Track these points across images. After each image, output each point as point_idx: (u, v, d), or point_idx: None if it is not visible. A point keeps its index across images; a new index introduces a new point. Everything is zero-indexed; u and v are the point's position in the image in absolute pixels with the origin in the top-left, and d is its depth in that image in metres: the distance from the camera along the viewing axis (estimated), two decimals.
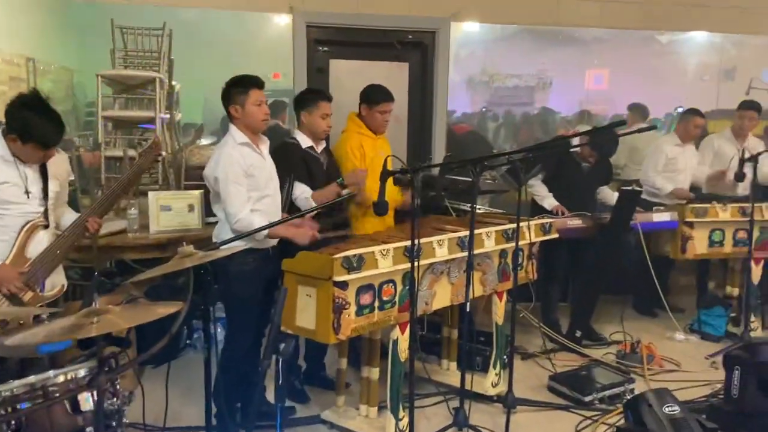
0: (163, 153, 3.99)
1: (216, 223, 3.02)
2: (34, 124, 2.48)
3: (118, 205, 3.98)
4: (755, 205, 4.09)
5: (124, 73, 4.17)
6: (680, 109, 5.70)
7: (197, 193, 3.77)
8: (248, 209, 2.83)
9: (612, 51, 5.42)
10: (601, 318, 4.55)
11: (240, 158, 2.83)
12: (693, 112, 4.75)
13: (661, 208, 4.45)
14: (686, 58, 5.66)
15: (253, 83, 2.90)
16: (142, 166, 2.92)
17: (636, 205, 4.15)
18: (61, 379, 1.69)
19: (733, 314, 4.50)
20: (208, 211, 3.58)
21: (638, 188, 4.29)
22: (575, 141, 4.24)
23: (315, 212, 3.04)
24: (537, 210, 4.23)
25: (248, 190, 2.85)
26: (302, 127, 3.36)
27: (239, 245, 2.62)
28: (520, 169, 2.96)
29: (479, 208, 4.10)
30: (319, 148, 3.39)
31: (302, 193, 3.24)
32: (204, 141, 4.97)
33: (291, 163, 3.22)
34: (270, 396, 3.11)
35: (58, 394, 1.64)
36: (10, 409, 1.62)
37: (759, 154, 4.20)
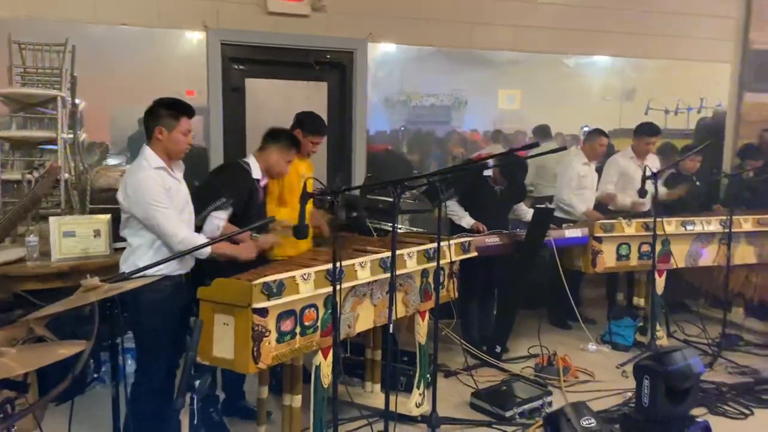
0: (62, 177, 3.77)
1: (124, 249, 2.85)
2: None
3: (15, 232, 3.70)
4: (657, 219, 4.34)
5: (22, 91, 3.90)
6: (586, 128, 6.01)
7: (104, 217, 3.56)
8: (187, 228, 2.74)
9: (523, 73, 5.65)
10: (520, 332, 4.66)
11: (159, 180, 2.70)
12: (598, 132, 5.02)
13: (571, 225, 4.63)
14: (591, 80, 5.98)
15: (185, 111, 2.79)
16: (38, 192, 2.72)
17: (549, 222, 4.31)
18: None
19: (640, 324, 4.73)
20: (116, 236, 3.38)
21: (551, 206, 4.46)
22: (490, 163, 4.34)
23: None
24: (455, 229, 4.29)
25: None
26: (261, 156, 3.29)
27: (153, 274, 2.48)
28: (439, 190, 2.99)
29: (400, 228, 4.13)
30: (263, 181, 3.34)
31: (219, 219, 3.10)
32: (111, 161, 4.73)
33: (238, 188, 3.14)
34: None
35: None
36: None
37: (660, 171, 4.47)
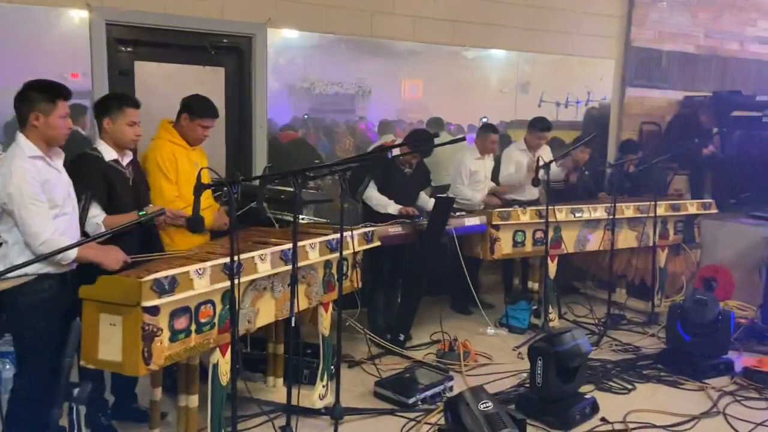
0: None
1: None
2: None
3: None
4: (549, 207, 4.55)
5: None
6: (484, 119, 6.19)
7: None
8: (53, 228, 2.51)
9: (424, 63, 5.71)
10: (423, 319, 4.75)
11: (35, 171, 2.48)
12: (489, 128, 5.22)
13: (464, 213, 4.76)
14: (488, 73, 6.15)
15: (62, 94, 2.58)
16: None
17: (450, 211, 4.40)
18: None
19: (534, 307, 4.96)
20: None
21: (452, 196, 4.56)
22: (395, 150, 4.38)
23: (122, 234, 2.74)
24: (384, 218, 4.31)
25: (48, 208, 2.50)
26: (105, 136, 3.02)
27: (31, 272, 2.28)
28: (345, 182, 2.97)
29: (304, 219, 4.06)
30: (125, 160, 3.07)
31: (95, 216, 2.90)
32: None
33: (89, 179, 2.88)
34: None
35: None
36: None
37: (551, 162, 4.69)
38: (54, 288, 2.57)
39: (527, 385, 3.63)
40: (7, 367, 3.38)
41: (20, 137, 2.56)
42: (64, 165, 2.74)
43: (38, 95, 2.54)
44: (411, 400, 3.50)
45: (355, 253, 3.58)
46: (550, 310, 4.79)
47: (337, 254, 3.16)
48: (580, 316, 5.17)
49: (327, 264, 3.38)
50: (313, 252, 3.20)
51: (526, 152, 5.28)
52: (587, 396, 3.54)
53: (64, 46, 4.37)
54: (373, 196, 4.43)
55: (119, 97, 3.09)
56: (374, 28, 5.37)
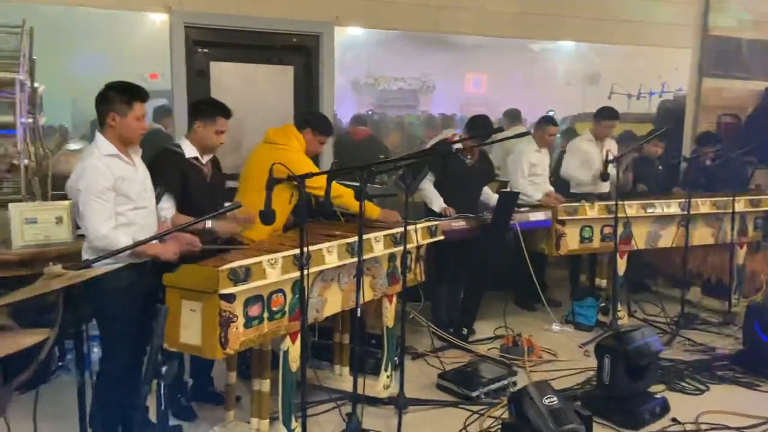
0: (22, 163, 3.68)
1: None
2: None
3: None
4: (618, 202, 4.45)
5: None
6: (551, 113, 6.09)
7: (66, 203, 3.48)
8: (110, 226, 2.63)
9: (489, 57, 5.69)
10: (486, 314, 4.75)
11: (106, 171, 2.63)
12: (547, 120, 5.10)
13: (526, 208, 4.70)
14: (555, 65, 6.05)
15: (139, 96, 2.72)
16: None
17: (514, 206, 4.38)
18: None
19: (602, 304, 4.87)
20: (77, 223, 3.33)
21: (516, 190, 4.53)
22: (456, 146, 4.38)
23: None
24: (429, 213, 4.34)
25: (118, 203, 2.66)
26: (193, 136, 3.18)
27: (117, 262, 2.46)
28: (409, 174, 3.02)
29: None
30: (205, 158, 3.23)
31: (164, 209, 3.05)
32: (73, 146, 4.62)
33: (165, 173, 3.04)
34: (154, 416, 2.95)
35: None
36: None
37: (621, 156, 4.58)
38: (135, 276, 2.72)
39: (593, 383, 3.58)
40: (95, 350, 3.63)
41: (98, 136, 2.72)
42: (146, 160, 2.91)
43: (116, 96, 2.67)
44: (474, 394, 3.53)
45: (418, 247, 3.63)
46: (619, 307, 4.68)
47: (401, 247, 3.22)
48: (651, 315, 5.02)
49: (391, 257, 3.45)
50: (377, 245, 3.28)
51: (593, 143, 5.17)
52: (657, 396, 3.46)
53: (145, 48, 4.63)
54: (426, 188, 4.41)
55: (215, 106, 3.22)
56: (438, 23, 5.40)
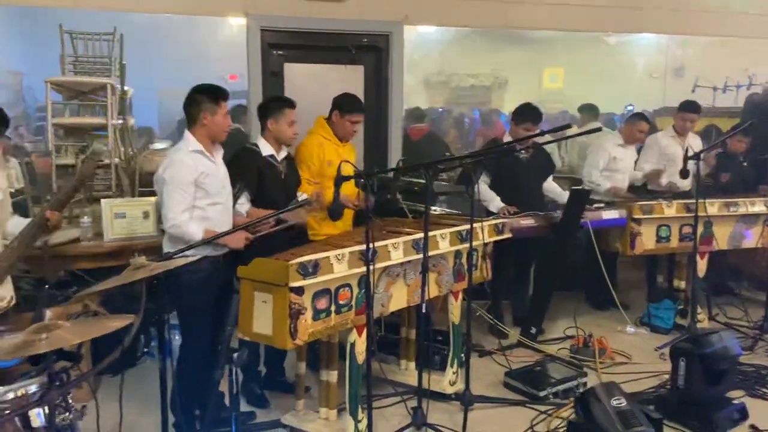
0: (113, 161, 3.96)
1: None
2: None
3: (71, 213, 3.92)
4: (699, 201, 4.26)
5: (75, 79, 4.09)
6: (630, 107, 5.91)
7: (152, 199, 3.72)
8: (185, 216, 2.82)
9: (564, 51, 5.58)
10: (556, 314, 4.67)
11: (191, 165, 2.83)
12: (639, 116, 4.93)
13: (602, 205, 4.58)
14: (634, 59, 5.87)
15: (223, 95, 2.93)
16: (84, 173, 2.90)
17: (586, 204, 4.28)
18: (11, 396, 1.67)
19: (681, 307, 4.68)
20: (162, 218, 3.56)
21: (588, 188, 4.42)
22: (518, 146, 4.30)
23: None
24: (489, 214, 4.31)
25: (198, 198, 2.85)
26: (267, 134, 3.35)
27: (194, 254, 2.62)
28: (471, 172, 3.03)
29: (435, 210, 4.17)
30: (281, 155, 3.39)
31: (241, 205, 3.22)
32: (159, 145, 4.91)
33: (244, 171, 3.22)
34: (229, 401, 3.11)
35: (8, 411, 1.63)
36: None
37: (702, 152, 4.38)
38: (210, 268, 2.90)
39: (668, 387, 3.47)
40: (176, 337, 3.86)
41: (187, 134, 2.93)
42: (226, 158, 3.08)
43: (204, 97, 2.89)
44: (542, 393, 3.49)
45: (485, 245, 3.63)
46: (699, 310, 4.49)
47: (468, 245, 3.23)
48: (733, 319, 4.78)
49: (457, 254, 3.46)
50: (443, 242, 3.30)
51: (675, 139, 4.97)
52: (736, 401, 3.31)
53: (224, 51, 4.86)
54: (480, 190, 4.26)
55: (279, 99, 3.42)
56: (510, 18, 5.33)
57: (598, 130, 3.14)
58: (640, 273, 5.39)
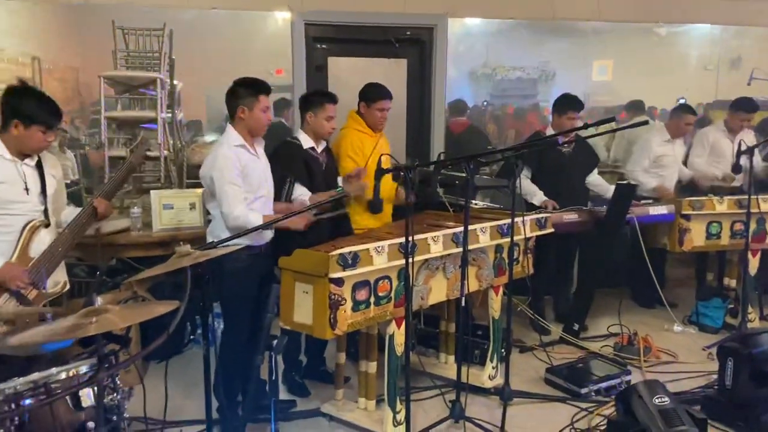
0: (162, 153, 4.08)
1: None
2: (35, 106, 2.58)
3: (122, 204, 4.07)
4: (752, 197, 4.11)
5: (126, 74, 4.23)
6: (681, 100, 5.72)
7: (199, 191, 3.83)
8: (243, 207, 2.88)
9: (613, 43, 5.45)
10: (599, 311, 4.59)
11: (235, 159, 2.89)
12: (685, 109, 4.79)
13: (650, 201, 4.47)
14: (686, 50, 5.68)
15: (263, 89, 2.96)
16: (133, 163, 3.00)
17: (632, 199, 4.18)
18: (63, 376, 1.76)
19: (731, 306, 4.53)
20: (208, 210, 3.65)
21: (634, 183, 4.32)
22: (561, 139, 4.22)
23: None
24: (530, 208, 4.26)
25: (243, 191, 2.91)
26: (306, 127, 3.40)
27: (237, 243, 2.68)
28: (513, 165, 3.00)
29: (477, 204, 4.15)
30: (320, 147, 3.44)
31: (300, 195, 3.29)
32: (208, 138, 5.03)
33: (292, 164, 3.28)
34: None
35: (60, 391, 1.71)
36: (13, 406, 1.69)
37: (755, 146, 4.22)
38: (251, 258, 2.96)
39: (715, 387, 3.37)
40: (220, 325, 3.97)
41: (228, 128, 2.99)
42: (268, 152, 3.14)
43: (243, 91, 2.93)
44: (583, 390, 3.45)
45: (527, 239, 3.59)
46: (750, 309, 4.34)
47: (509, 239, 3.21)
48: None
49: (498, 248, 3.44)
50: (484, 236, 3.28)
51: (725, 134, 4.80)
52: None
53: (269, 46, 4.93)
54: (522, 183, 4.23)
55: (321, 94, 3.45)
56: (557, 10, 5.24)
57: (645, 123, 3.05)
58: (689, 270, 5.24)
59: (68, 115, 4.70)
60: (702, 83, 5.73)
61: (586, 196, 4.45)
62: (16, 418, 1.66)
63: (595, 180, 4.54)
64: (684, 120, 4.70)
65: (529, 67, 5.45)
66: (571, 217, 4.09)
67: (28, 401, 1.69)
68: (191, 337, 4.16)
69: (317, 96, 3.43)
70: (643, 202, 4.38)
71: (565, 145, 4.30)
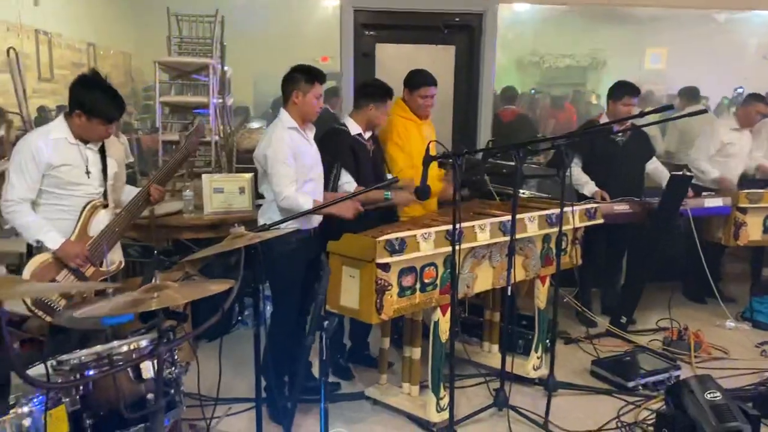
0: (213, 138, 4.17)
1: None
2: (99, 99, 2.66)
3: (174, 187, 4.18)
4: None
5: (180, 60, 4.33)
6: (740, 90, 5.53)
7: (248, 176, 3.91)
8: (294, 188, 2.93)
9: (668, 30, 5.28)
10: (648, 304, 4.49)
11: (289, 141, 2.94)
12: (757, 97, 4.59)
13: (712, 193, 4.34)
14: (745, 38, 5.46)
15: (319, 78, 3.01)
16: (188, 148, 3.07)
17: (686, 191, 4.07)
18: (125, 349, 1.84)
19: None
20: (257, 193, 3.71)
21: (689, 173, 4.19)
22: (615, 128, 4.12)
23: None
24: (581, 198, 4.18)
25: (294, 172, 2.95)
26: (360, 115, 3.39)
27: (288, 226, 2.73)
28: (564, 154, 2.96)
29: (524, 193, 4.11)
30: (367, 134, 3.45)
31: (347, 183, 3.30)
32: (254, 125, 5.11)
33: (339, 150, 3.30)
34: (316, 372, 3.23)
35: (122, 363, 1.79)
36: (79, 376, 1.78)
37: None
38: (300, 242, 2.99)
39: None
40: (269, 307, 4.05)
41: (282, 111, 3.04)
42: (316, 137, 3.18)
43: (300, 76, 2.98)
44: (631, 384, 3.39)
45: (575, 229, 3.54)
46: None
47: (557, 229, 3.17)
48: None
49: (545, 238, 3.40)
50: (531, 225, 3.25)
51: None
52: None
53: (317, 33, 4.97)
54: (573, 173, 4.15)
55: (387, 91, 3.41)
56: None
57: (704, 111, 2.95)
58: (744, 265, 5.07)
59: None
60: (761, 72, 5.51)
61: (639, 187, 4.33)
62: (81, 387, 1.74)
63: (655, 169, 4.40)
64: (756, 108, 4.51)
65: (579, 55, 5.34)
66: (622, 207, 4.00)
67: (91, 372, 1.77)
68: (239, 318, 4.26)
69: (383, 91, 3.39)
70: (704, 194, 4.24)
71: (620, 134, 4.19)
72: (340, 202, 2.93)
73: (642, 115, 2.75)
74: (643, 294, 4.29)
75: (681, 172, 4.12)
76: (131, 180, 4.29)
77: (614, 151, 4.22)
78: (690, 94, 5.37)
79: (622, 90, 4.15)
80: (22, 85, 4.66)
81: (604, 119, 4.25)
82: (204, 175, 3.90)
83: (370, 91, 3.40)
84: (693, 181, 4.41)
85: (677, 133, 5.44)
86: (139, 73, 5.39)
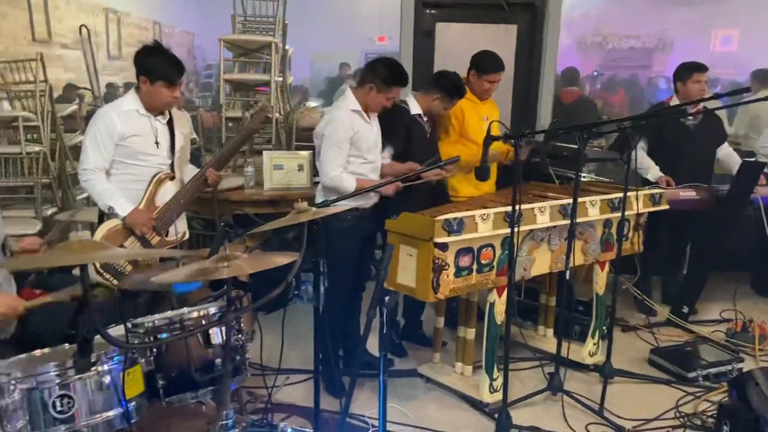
0: (273, 116, 4.23)
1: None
2: (159, 63, 2.78)
3: (235, 163, 4.28)
4: None
5: (244, 38, 4.40)
6: None
7: (306, 153, 3.96)
8: (340, 170, 2.97)
9: (740, 11, 5.04)
10: (712, 295, 4.35)
11: (349, 123, 2.97)
12: None
13: None
14: None
15: (398, 83, 3.00)
16: (252, 127, 3.14)
17: (758, 178, 3.89)
18: (195, 315, 1.92)
19: None
20: (315, 171, 3.76)
21: (763, 160, 4.01)
22: (689, 110, 3.97)
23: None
24: (645, 183, 4.06)
25: (351, 155, 3.00)
26: (425, 99, 3.36)
27: (348, 204, 2.77)
28: (630, 138, 2.88)
29: (585, 177, 4.02)
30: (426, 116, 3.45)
31: (382, 159, 3.29)
32: (312, 103, 5.17)
33: (392, 127, 3.30)
34: (370, 347, 3.28)
35: (192, 328, 1.87)
36: (152, 338, 1.87)
37: None
38: (356, 219, 3.04)
39: None
40: (324, 282, 4.12)
41: (348, 92, 3.07)
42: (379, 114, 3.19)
43: (384, 75, 2.97)
44: (691, 375, 3.31)
45: (638, 215, 3.45)
46: None
47: (619, 214, 3.10)
48: None
49: (607, 223, 3.33)
50: (593, 209, 3.19)
51: None
52: None
53: (377, 11, 4.96)
54: (638, 156, 3.97)
55: (458, 90, 3.34)
56: None
57: None
58: None
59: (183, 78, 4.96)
60: None
61: (708, 172, 4.15)
62: (155, 350, 1.83)
63: (726, 155, 4.21)
64: None
65: (645, 36, 5.15)
66: (688, 194, 3.87)
67: (164, 335, 1.86)
68: (295, 292, 4.36)
69: (456, 89, 3.33)
70: None
71: (690, 118, 4.02)
72: (385, 184, 2.97)
73: (716, 96, 2.64)
74: (706, 284, 4.16)
75: (755, 158, 3.95)
76: (195, 157, 4.42)
77: (684, 134, 4.05)
78: (763, 77, 5.12)
79: (690, 68, 3.98)
80: (93, 61, 4.85)
81: (674, 102, 4.09)
82: (264, 152, 3.98)
83: (444, 83, 3.34)
84: (766, 169, 4.23)
85: (747, 118, 5.21)
86: (200, 52, 5.51)
